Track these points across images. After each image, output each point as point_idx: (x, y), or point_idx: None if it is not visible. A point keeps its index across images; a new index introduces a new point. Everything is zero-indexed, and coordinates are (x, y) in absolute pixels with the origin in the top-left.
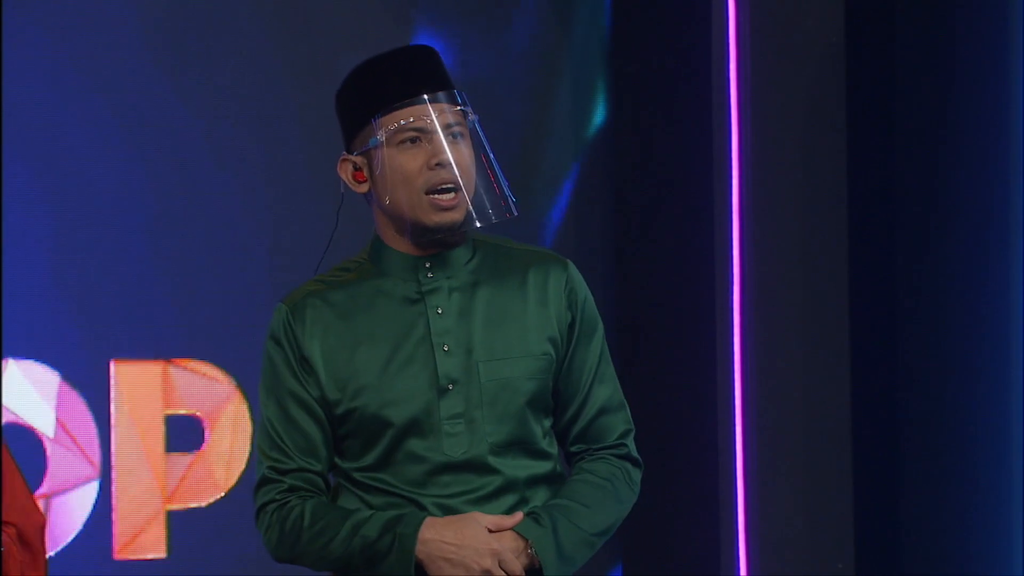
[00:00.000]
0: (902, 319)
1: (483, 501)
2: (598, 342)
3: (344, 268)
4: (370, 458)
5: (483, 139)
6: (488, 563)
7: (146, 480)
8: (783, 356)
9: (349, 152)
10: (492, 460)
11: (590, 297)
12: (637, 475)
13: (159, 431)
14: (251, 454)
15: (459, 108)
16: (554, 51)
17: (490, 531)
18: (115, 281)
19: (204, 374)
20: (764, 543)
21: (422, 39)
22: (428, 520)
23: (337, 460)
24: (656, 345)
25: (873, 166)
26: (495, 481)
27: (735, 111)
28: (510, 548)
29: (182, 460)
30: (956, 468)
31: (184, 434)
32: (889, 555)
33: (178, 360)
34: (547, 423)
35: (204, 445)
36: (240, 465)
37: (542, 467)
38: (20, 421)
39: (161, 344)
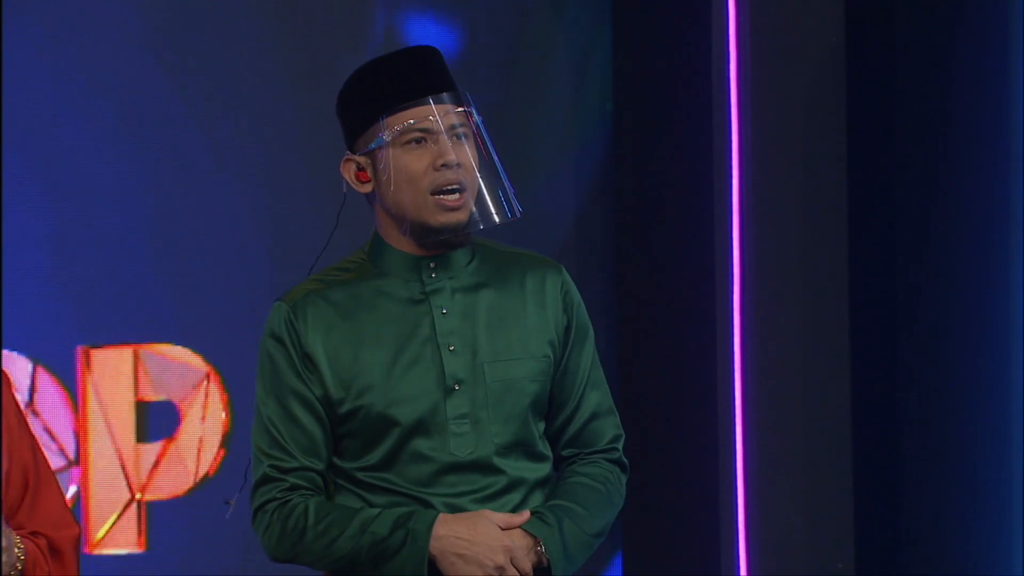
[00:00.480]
0: (902, 319)
1: (487, 501)
2: (590, 347)
3: (342, 268)
4: (374, 457)
5: (487, 140)
6: (501, 559)
7: (117, 470)
8: (783, 356)
9: (352, 152)
10: (497, 461)
11: (582, 302)
12: (624, 480)
13: (130, 419)
14: (224, 443)
15: (464, 109)
16: (555, 51)
17: (501, 528)
18: (115, 280)
19: (177, 358)
20: (764, 543)
21: (422, 39)
22: (441, 516)
23: (336, 460)
24: (656, 345)
25: (873, 166)
26: (500, 481)
27: (735, 111)
28: (521, 546)
29: (153, 449)
30: (956, 468)
31: (158, 421)
32: (889, 555)
33: (149, 345)
34: (542, 426)
35: (177, 432)
36: (212, 452)
37: (541, 469)
38: None
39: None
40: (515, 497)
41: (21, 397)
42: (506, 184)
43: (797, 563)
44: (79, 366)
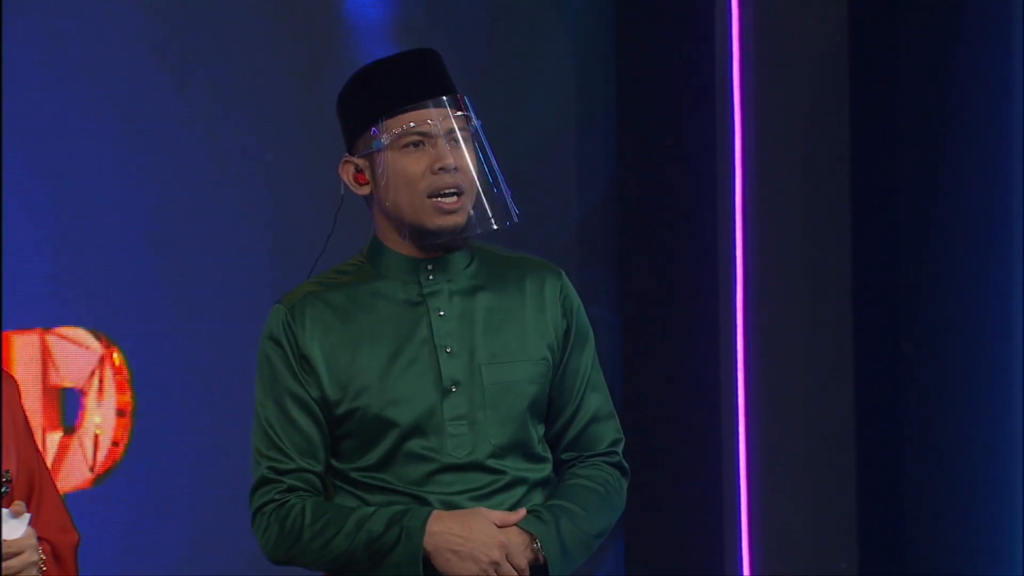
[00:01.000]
0: (905, 319)
1: (484, 499)
2: (590, 350)
3: (341, 270)
4: (371, 458)
5: (486, 144)
6: (496, 555)
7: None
8: (786, 356)
9: (351, 154)
10: (494, 462)
11: (582, 306)
12: (625, 484)
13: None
14: (132, 436)
15: (462, 113)
16: (557, 51)
17: (496, 526)
18: (116, 279)
19: (79, 342)
20: (767, 543)
21: (424, 40)
22: (435, 513)
23: (333, 461)
24: (659, 345)
25: (876, 165)
26: (496, 482)
27: (738, 112)
28: (517, 543)
29: (55, 439)
30: (959, 468)
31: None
32: (892, 555)
33: (56, 329)
34: (541, 429)
35: (79, 422)
36: (107, 445)
37: (540, 471)
38: None
39: (164, 341)
40: (512, 497)
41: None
42: (504, 189)
43: (800, 563)
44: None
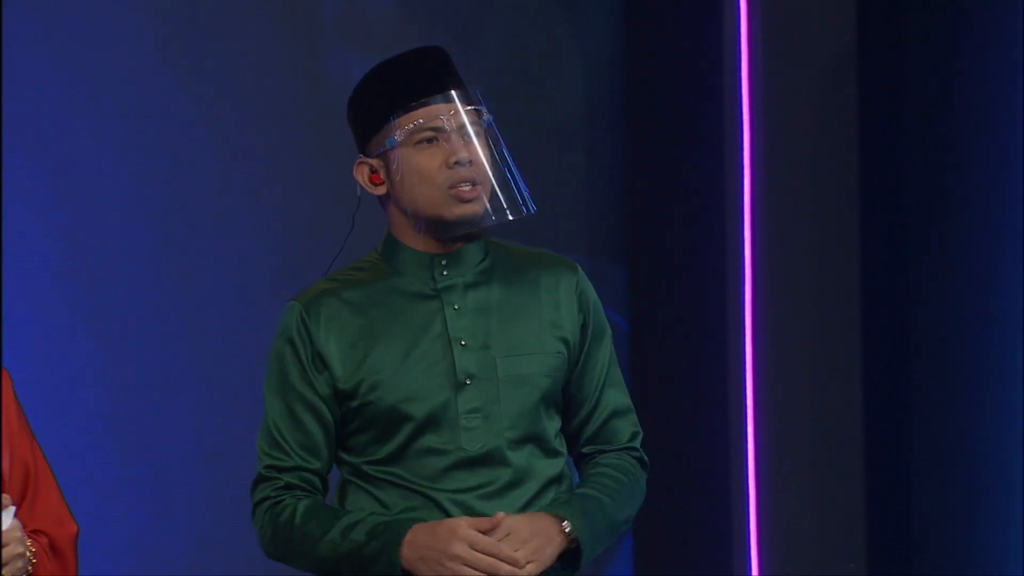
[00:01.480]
0: (914, 319)
1: (496, 496)
2: (607, 345)
3: (356, 267)
4: (384, 452)
5: (499, 137)
6: (457, 548)
7: None
8: (795, 356)
9: (365, 155)
10: (508, 455)
11: (599, 301)
12: (645, 476)
13: None
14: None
15: (474, 107)
16: (566, 51)
17: (483, 531)
18: (120, 279)
19: None
20: (776, 543)
21: (430, 38)
22: (414, 527)
23: (345, 455)
24: (668, 344)
25: (884, 164)
26: (510, 476)
27: (747, 110)
28: (546, 529)
29: None
30: (968, 468)
31: None
32: (901, 555)
33: None
34: (558, 423)
35: None
36: None
37: (554, 465)
38: None
39: (166, 343)
40: (526, 492)
41: None
42: (519, 180)
43: (809, 563)
44: None
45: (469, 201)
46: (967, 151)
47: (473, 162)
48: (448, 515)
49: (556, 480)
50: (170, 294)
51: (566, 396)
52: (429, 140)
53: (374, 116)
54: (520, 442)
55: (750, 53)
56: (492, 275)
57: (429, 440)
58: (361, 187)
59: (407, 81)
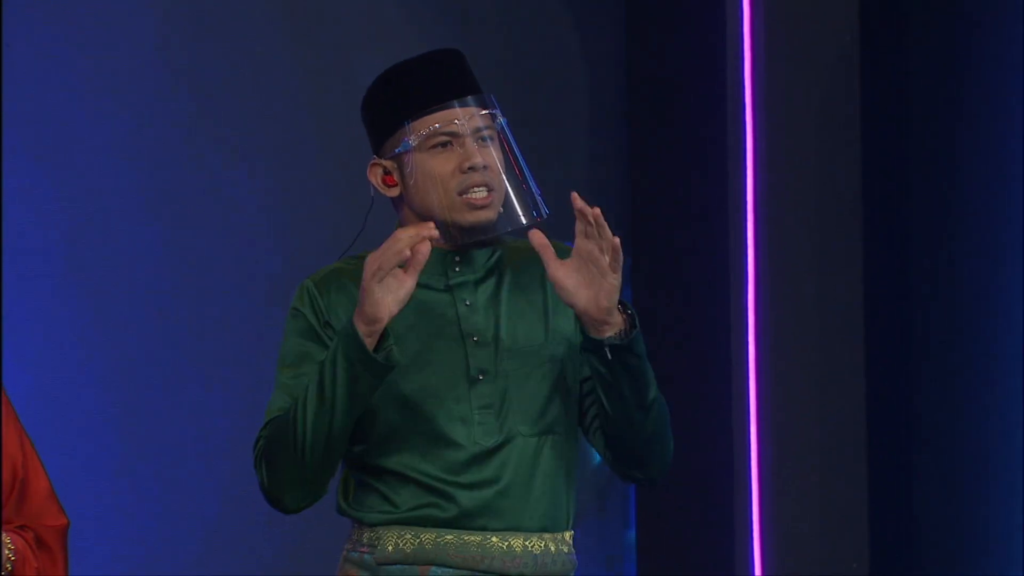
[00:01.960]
0: (917, 319)
1: (507, 492)
2: None
3: (365, 258)
4: (396, 446)
5: (512, 142)
6: (374, 255)
7: None
8: (798, 356)
9: (379, 156)
10: (520, 453)
11: None
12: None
13: None
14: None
15: (488, 111)
16: (569, 52)
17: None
18: (124, 279)
19: None
20: (779, 543)
21: (432, 37)
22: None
23: (356, 448)
24: (671, 344)
25: (887, 166)
26: (522, 473)
27: (750, 109)
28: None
29: None
30: (971, 467)
31: None
32: (904, 555)
33: None
34: (573, 414)
35: None
36: None
37: (564, 462)
38: None
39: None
40: (540, 488)
41: None
42: (532, 185)
43: (811, 563)
44: None
45: (482, 207)
46: (970, 152)
47: (487, 167)
48: (462, 509)
49: (563, 469)
50: (172, 293)
51: (581, 382)
52: (444, 144)
53: (389, 119)
54: (533, 436)
55: (753, 54)
56: (502, 270)
57: (443, 435)
58: (374, 188)
59: (422, 85)
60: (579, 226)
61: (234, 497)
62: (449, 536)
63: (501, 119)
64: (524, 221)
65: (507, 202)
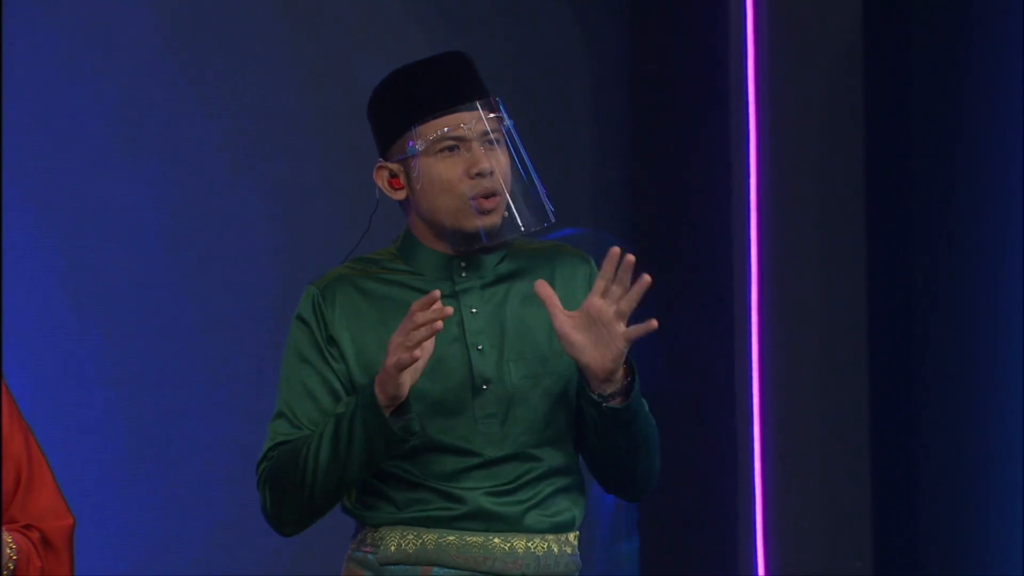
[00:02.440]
0: (920, 318)
1: (511, 494)
2: None
3: (372, 260)
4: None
5: (520, 145)
6: (396, 339)
7: None
8: (801, 355)
9: (385, 159)
10: (524, 458)
11: None
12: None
13: None
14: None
15: (495, 115)
16: (572, 52)
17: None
18: (130, 280)
19: None
20: (782, 542)
21: (436, 39)
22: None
23: None
24: (674, 344)
25: (890, 164)
26: (527, 474)
27: (753, 108)
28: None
29: None
30: (974, 467)
31: None
32: (907, 554)
33: None
34: (572, 423)
35: None
36: None
37: (568, 464)
38: None
39: (175, 341)
40: (544, 489)
41: None
42: (539, 189)
43: (814, 563)
44: None
45: (489, 212)
46: (973, 151)
47: (494, 172)
48: (464, 510)
49: (571, 486)
50: (178, 293)
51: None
52: (450, 149)
53: (395, 122)
54: (537, 444)
55: (756, 53)
56: (509, 276)
57: (446, 443)
58: (380, 191)
59: (429, 88)
60: (599, 283)
61: (239, 496)
62: (451, 537)
63: (508, 122)
64: (531, 228)
65: (514, 206)
